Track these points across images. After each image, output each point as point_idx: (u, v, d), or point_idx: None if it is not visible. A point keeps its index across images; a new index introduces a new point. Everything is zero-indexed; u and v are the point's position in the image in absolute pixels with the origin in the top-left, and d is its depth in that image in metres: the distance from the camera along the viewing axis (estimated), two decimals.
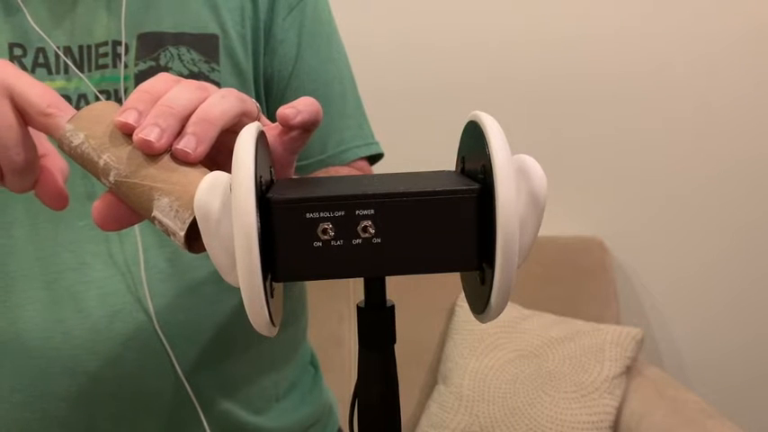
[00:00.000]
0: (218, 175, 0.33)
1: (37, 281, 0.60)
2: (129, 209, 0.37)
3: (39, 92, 0.38)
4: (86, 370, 0.59)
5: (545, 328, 1.51)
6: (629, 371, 1.45)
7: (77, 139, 0.37)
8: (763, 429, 1.78)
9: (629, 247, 1.74)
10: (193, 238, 0.36)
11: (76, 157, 0.37)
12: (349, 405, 0.41)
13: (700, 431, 1.29)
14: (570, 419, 1.38)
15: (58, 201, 0.41)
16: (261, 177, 0.33)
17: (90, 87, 0.60)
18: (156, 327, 0.60)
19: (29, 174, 0.39)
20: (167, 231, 0.35)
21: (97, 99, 0.60)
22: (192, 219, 0.34)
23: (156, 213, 0.35)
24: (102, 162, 0.36)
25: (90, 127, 0.37)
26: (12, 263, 0.60)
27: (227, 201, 0.32)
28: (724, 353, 1.77)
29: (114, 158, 0.36)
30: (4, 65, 0.39)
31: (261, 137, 0.35)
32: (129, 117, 0.36)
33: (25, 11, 0.60)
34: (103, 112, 0.38)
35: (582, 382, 1.41)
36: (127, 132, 0.36)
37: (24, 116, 0.38)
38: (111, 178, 0.36)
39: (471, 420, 1.43)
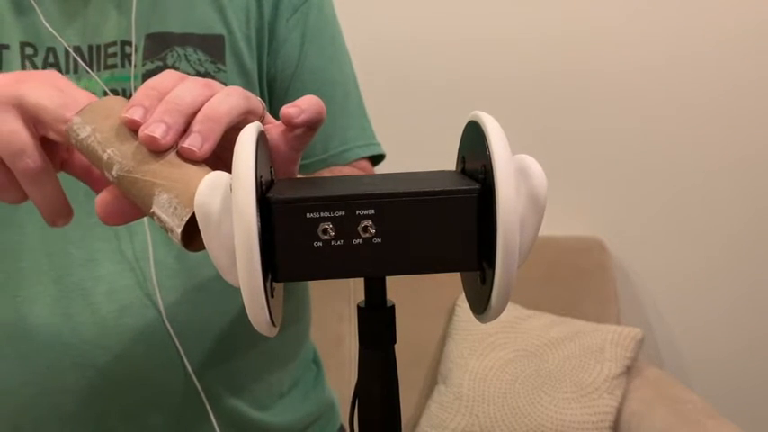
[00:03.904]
0: (219, 174, 0.33)
1: (47, 276, 0.60)
2: (132, 203, 0.37)
3: (56, 101, 0.39)
4: (95, 364, 0.60)
5: (545, 328, 1.51)
6: (629, 371, 1.45)
7: (84, 132, 0.37)
8: (764, 429, 1.78)
9: (629, 247, 1.74)
10: (192, 235, 0.36)
11: (82, 150, 0.38)
12: (349, 404, 0.41)
13: (700, 431, 1.29)
14: (570, 419, 1.38)
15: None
16: (261, 177, 0.33)
17: (101, 86, 0.61)
18: (166, 322, 0.61)
19: (43, 181, 0.40)
20: (165, 228, 0.35)
21: None
22: (189, 216, 0.34)
23: (155, 209, 0.35)
24: (106, 156, 0.36)
25: (97, 121, 0.37)
26: (23, 258, 0.61)
27: (228, 201, 0.32)
28: (724, 353, 1.77)
29: (119, 153, 0.36)
30: (13, 80, 0.40)
31: (261, 136, 0.35)
32: (136, 114, 0.36)
33: (38, 10, 0.61)
34: (112, 107, 0.38)
35: (582, 382, 1.41)
36: (133, 128, 0.37)
37: (40, 125, 0.39)
38: (114, 172, 0.36)
39: (471, 420, 1.43)
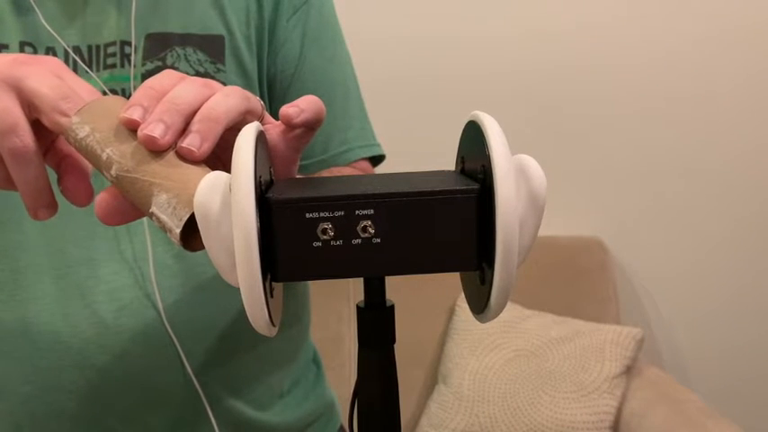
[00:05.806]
0: (218, 174, 0.33)
1: (46, 276, 0.60)
2: (131, 203, 0.37)
3: (56, 90, 0.38)
4: (94, 364, 0.60)
5: (545, 328, 1.51)
6: (629, 371, 1.45)
7: (83, 131, 0.37)
8: (764, 429, 1.78)
9: (629, 247, 1.74)
10: (190, 235, 0.36)
11: (81, 150, 0.38)
12: (349, 404, 0.41)
13: (700, 431, 1.29)
14: (570, 419, 1.38)
15: (82, 197, 0.41)
16: (260, 177, 0.33)
17: (101, 86, 0.61)
18: (165, 322, 0.61)
19: (29, 164, 0.39)
20: (164, 228, 0.35)
21: None
22: (188, 216, 0.34)
23: (153, 209, 0.35)
24: (104, 156, 0.36)
25: (96, 120, 0.37)
26: (23, 258, 0.61)
27: (227, 201, 0.32)
28: (724, 353, 1.77)
29: (117, 153, 0.36)
30: (14, 61, 0.39)
31: (260, 136, 0.35)
32: (135, 113, 0.36)
33: (38, 10, 0.61)
34: (110, 107, 0.38)
35: (582, 382, 1.41)
36: (132, 128, 0.36)
37: (35, 110, 0.39)
38: (113, 172, 0.36)
39: (471, 420, 1.43)
